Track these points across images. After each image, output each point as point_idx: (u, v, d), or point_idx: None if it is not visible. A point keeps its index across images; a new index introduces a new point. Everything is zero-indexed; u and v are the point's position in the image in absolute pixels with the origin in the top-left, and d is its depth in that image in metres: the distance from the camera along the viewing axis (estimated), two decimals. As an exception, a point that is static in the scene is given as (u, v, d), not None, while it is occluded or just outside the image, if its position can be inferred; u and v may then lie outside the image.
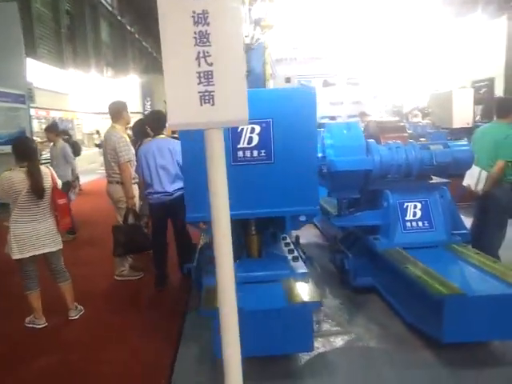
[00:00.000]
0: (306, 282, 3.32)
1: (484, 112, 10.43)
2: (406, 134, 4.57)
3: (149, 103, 27.86)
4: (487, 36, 11.13)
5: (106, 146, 5.06)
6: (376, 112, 11.14)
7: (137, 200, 5.19)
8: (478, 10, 14.56)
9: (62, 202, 4.06)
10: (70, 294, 4.26)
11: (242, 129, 3.13)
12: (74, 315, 4.24)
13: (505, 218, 4.50)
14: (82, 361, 3.51)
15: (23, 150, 4.03)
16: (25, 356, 3.62)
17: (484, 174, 4.45)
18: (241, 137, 3.15)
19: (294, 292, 3.14)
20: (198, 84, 2.17)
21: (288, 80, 10.39)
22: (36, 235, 3.93)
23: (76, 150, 10.12)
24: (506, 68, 10.11)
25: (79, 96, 20.74)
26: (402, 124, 4.79)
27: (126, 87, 23.80)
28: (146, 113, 27.05)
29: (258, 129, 3.14)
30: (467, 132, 8.10)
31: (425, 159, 4.05)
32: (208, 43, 2.14)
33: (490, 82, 10.54)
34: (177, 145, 4.85)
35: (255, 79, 10.47)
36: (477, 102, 9.93)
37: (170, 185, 4.70)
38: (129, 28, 35.32)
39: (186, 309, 4.30)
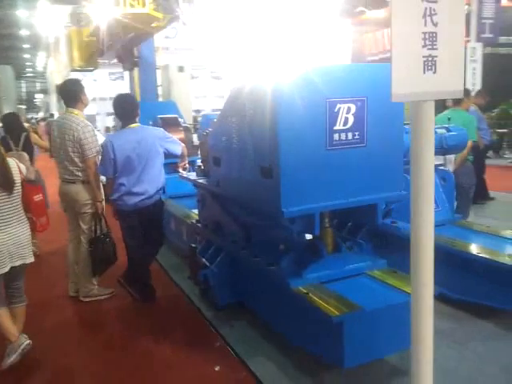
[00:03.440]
0: (394, 272, 3.17)
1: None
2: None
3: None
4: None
5: (65, 137, 3.99)
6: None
7: (104, 204, 4.26)
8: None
9: (37, 198, 3.41)
10: (21, 321, 3.30)
11: (339, 108, 2.79)
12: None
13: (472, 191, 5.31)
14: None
15: None
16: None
17: (450, 156, 4.93)
18: (337, 117, 2.81)
19: (394, 283, 2.96)
20: (423, 47, 1.88)
21: (181, 69, 9.79)
22: (14, 243, 3.11)
23: None
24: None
25: None
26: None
27: None
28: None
29: (353, 108, 2.84)
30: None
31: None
32: (435, -1, 1.87)
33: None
34: (160, 132, 4.14)
35: (147, 68, 9.62)
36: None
37: (152, 185, 4.00)
38: None
39: (209, 321, 3.71)
